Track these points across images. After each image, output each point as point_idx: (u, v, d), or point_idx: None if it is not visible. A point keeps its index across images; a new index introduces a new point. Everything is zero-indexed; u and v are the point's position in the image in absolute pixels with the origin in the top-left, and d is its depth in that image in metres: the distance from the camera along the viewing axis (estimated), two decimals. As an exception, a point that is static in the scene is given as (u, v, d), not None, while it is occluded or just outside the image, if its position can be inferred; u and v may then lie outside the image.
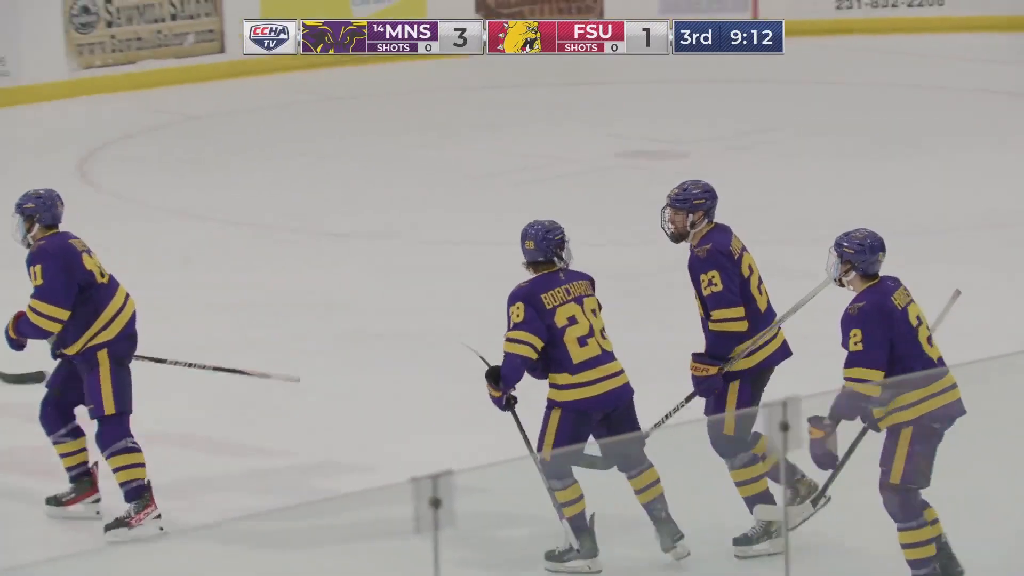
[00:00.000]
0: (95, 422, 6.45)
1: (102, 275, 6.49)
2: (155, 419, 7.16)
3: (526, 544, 6.23)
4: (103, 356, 6.41)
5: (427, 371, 7.84)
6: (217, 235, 10.70)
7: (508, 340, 5.94)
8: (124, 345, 6.50)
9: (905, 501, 5.59)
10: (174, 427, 7.38)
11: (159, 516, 6.41)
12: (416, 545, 5.86)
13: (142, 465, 6.43)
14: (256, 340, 8.25)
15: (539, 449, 5.98)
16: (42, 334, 6.34)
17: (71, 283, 6.31)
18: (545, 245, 5.99)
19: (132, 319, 6.54)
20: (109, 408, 6.38)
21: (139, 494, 6.40)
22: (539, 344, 5.90)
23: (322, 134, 13.60)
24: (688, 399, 6.15)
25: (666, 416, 6.18)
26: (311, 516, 6.16)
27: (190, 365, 6.87)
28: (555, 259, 6.00)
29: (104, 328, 6.41)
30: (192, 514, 6.48)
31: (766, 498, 6.08)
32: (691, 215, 6.05)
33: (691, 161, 12.28)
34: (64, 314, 6.26)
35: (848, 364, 5.58)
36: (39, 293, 6.27)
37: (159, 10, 14.71)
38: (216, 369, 6.87)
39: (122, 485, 6.43)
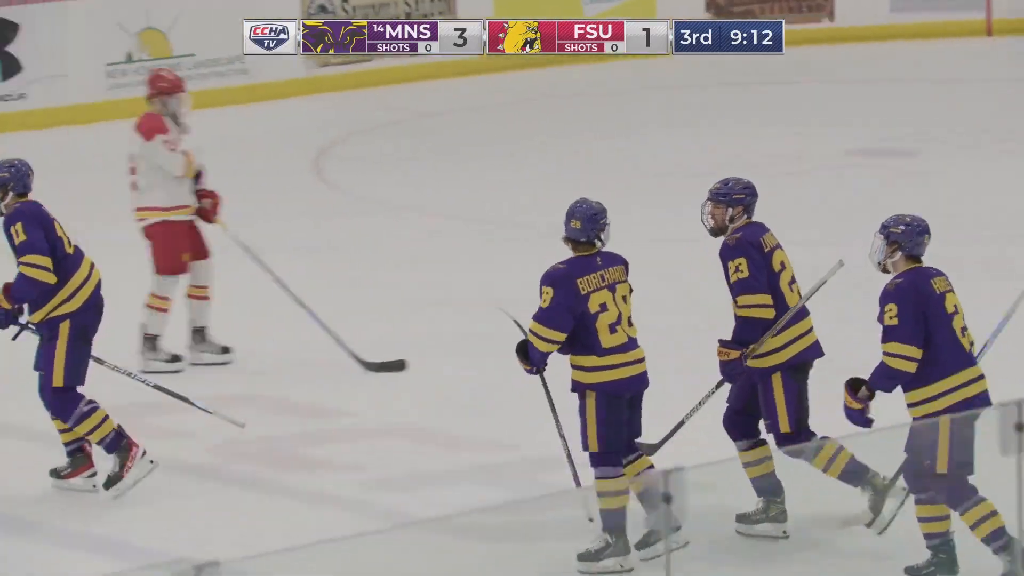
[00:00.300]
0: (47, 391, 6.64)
1: (69, 244, 6.65)
2: (394, 413, 7.39)
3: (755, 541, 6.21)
4: (64, 327, 6.59)
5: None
6: (444, 232, 10.86)
7: (532, 331, 6.06)
8: (89, 315, 6.64)
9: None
10: (406, 420, 7.54)
11: (144, 454, 6.70)
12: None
13: (107, 417, 6.67)
14: (480, 335, 8.25)
15: (584, 447, 6.05)
16: (38, 286, 6.48)
17: (49, 241, 6.49)
18: (591, 227, 6.08)
19: (97, 288, 6.71)
20: (58, 380, 6.56)
21: (117, 443, 6.68)
22: (562, 338, 6.01)
23: (549, 132, 13.73)
24: (717, 387, 6.31)
25: (699, 403, 6.37)
26: (539, 510, 6.23)
27: (131, 375, 7.04)
28: (596, 241, 6.10)
29: (68, 299, 6.60)
30: (423, 507, 6.58)
31: (771, 482, 6.24)
32: (731, 209, 6.26)
33: (921, 160, 12.10)
34: (51, 263, 6.44)
35: (885, 339, 5.76)
36: (26, 247, 6.44)
37: (394, 8, 15.04)
38: (156, 388, 7.04)
39: (99, 443, 6.70)
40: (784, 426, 6.15)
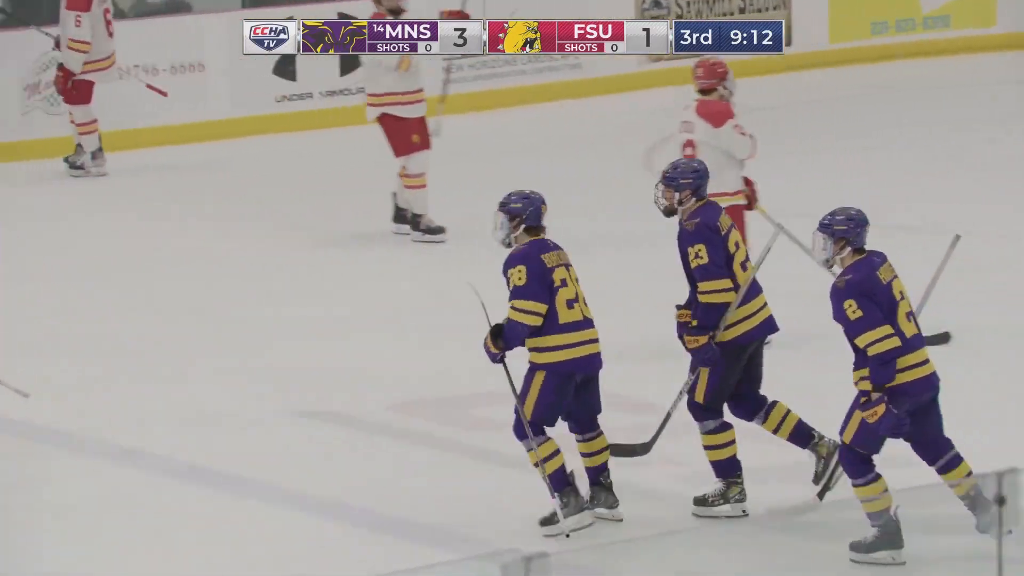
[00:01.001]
0: None
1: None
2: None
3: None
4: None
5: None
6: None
7: (514, 308, 6.37)
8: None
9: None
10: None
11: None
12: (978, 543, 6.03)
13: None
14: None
15: (521, 405, 6.41)
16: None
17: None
18: (538, 213, 6.55)
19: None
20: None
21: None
22: (543, 309, 6.38)
23: (881, 125, 13.67)
24: (692, 373, 6.59)
25: (680, 393, 6.62)
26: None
27: None
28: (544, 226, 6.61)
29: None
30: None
31: (733, 462, 6.51)
32: (678, 193, 6.65)
33: None
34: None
35: (856, 333, 5.92)
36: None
37: (728, 3, 15.48)
38: None
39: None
40: (699, 395, 6.56)
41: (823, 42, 15.50)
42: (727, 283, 6.58)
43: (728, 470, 6.54)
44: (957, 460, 6.07)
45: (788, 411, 6.62)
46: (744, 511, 6.49)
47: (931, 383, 5.94)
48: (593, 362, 6.45)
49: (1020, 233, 10.63)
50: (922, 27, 15.73)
